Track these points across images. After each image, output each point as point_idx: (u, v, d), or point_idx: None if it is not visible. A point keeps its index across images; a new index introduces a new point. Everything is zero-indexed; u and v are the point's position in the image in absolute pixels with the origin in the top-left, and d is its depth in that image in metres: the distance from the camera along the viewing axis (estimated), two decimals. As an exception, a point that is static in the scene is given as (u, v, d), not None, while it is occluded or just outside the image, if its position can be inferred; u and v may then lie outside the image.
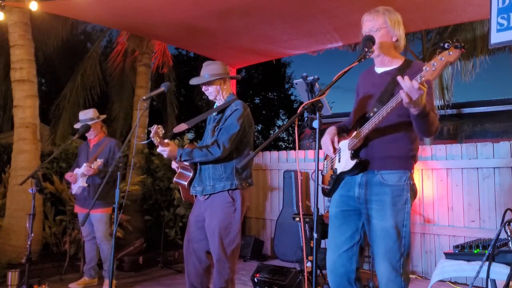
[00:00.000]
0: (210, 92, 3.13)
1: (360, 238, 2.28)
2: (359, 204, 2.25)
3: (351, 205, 2.28)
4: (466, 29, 9.57)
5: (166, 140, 2.93)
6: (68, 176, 4.40)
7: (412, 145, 2.25)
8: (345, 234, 2.28)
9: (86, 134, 4.44)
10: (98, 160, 4.13)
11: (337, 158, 2.35)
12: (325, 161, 2.51)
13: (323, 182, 2.48)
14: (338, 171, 2.31)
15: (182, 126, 3.02)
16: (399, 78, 1.90)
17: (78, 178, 4.32)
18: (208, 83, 3.09)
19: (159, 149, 2.97)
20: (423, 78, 1.85)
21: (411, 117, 2.07)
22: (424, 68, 1.85)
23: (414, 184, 2.25)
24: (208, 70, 3.10)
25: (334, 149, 2.32)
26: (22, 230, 5.01)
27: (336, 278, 2.29)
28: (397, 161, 2.20)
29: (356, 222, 2.28)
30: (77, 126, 4.40)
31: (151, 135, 2.83)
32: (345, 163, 2.27)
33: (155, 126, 2.80)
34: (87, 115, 4.45)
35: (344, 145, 2.30)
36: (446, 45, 1.77)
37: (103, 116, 4.58)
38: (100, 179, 4.27)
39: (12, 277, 4.09)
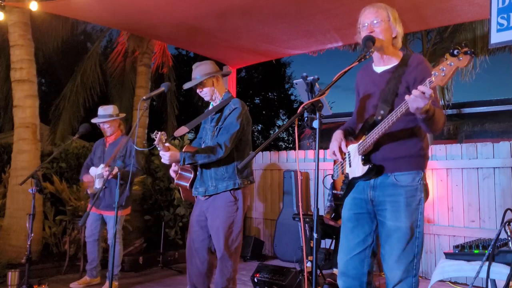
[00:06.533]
0: (205, 93, 3.12)
1: (373, 242, 2.27)
2: (372, 206, 2.23)
3: (364, 207, 2.26)
4: (466, 29, 9.57)
5: (167, 144, 2.89)
6: (85, 178, 4.33)
7: (422, 143, 2.22)
8: (358, 237, 2.26)
9: (103, 131, 4.37)
10: (115, 167, 3.91)
11: (347, 163, 2.32)
12: (335, 165, 2.49)
13: (335, 188, 2.47)
14: (350, 177, 2.29)
15: (183, 130, 3.01)
16: (414, 91, 1.84)
17: (95, 180, 4.24)
18: (202, 85, 3.09)
19: (161, 154, 2.92)
20: (432, 84, 1.80)
21: (418, 120, 2.04)
22: (433, 73, 1.80)
23: (426, 184, 2.24)
24: (199, 71, 3.09)
25: (343, 154, 2.29)
26: (22, 230, 5.00)
27: (347, 280, 2.28)
28: (409, 162, 2.18)
29: (370, 225, 2.26)
30: (94, 120, 4.33)
31: (156, 142, 2.77)
32: (356, 168, 2.25)
33: (159, 134, 2.75)
34: (107, 110, 4.33)
35: (353, 150, 2.27)
36: (455, 52, 1.72)
37: (123, 115, 4.49)
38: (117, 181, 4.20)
39: (12, 277, 4.08)
